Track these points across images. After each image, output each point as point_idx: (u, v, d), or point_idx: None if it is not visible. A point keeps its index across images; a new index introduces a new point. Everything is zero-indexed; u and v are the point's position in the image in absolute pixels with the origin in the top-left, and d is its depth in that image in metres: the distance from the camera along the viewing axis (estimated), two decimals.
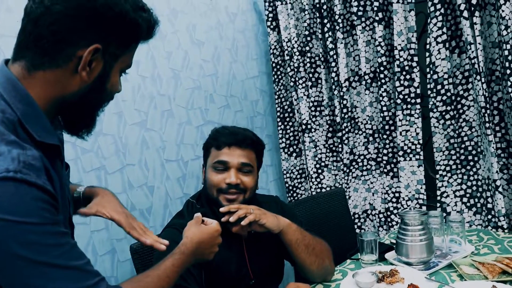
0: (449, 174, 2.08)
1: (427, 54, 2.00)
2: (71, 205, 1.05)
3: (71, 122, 0.95)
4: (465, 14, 1.81)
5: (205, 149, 1.52)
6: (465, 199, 2.07)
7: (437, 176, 2.09)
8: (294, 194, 2.72)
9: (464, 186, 2.07)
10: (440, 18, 1.92)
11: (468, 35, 1.82)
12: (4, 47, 1.67)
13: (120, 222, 1.08)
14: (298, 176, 2.72)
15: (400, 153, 2.17)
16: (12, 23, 1.68)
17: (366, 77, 2.28)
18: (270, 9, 2.58)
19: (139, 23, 0.89)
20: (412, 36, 2.06)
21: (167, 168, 2.19)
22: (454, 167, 2.07)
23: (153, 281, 0.98)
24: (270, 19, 2.59)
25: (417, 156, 2.16)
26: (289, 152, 2.69)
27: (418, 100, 2.12)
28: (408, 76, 2.10)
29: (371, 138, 2.35)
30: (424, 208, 2.13)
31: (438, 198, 2.10)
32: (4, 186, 0.73)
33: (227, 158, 1.42)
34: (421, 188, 2.17)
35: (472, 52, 1.81)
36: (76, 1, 0.82)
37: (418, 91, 2.11)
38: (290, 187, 2.71)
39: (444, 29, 1.93)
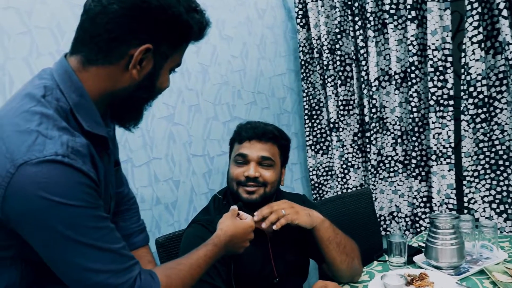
0: (477, 180, 2.03)
1: (462, 54, 1.95)
2: (112, 200, 1.07)
3: (120, 114, 0.99)
4: (504, 13, 1.76)
5: (230, 144, 1.53)
6: (494, 205, 2.01)
7: (465, 182, 2.03)
8: (320, 192, 2.70)
9: (493, 192, 2.01)
10: (476, 17, 1.87)
11: (506, 35, 1.76)
12: (38, 38, 1.68)
13: None
14: (324, 174, 2.69)
15: (433, 157, 2.12)
16: (46, 15, 1.70)
17: (396, 76, 2.24)
18: (300, 6, 2.55)
19: (191, 25, 0.91)
20: (447, 36, 2.01)
21: (193, 163, 2.19)
22: (482, 172, 2.02)
23: (185, 269, 0.99)
24: (300, 16, 2.56)
25: (448, 160, 2.11)
26: (315, 150, 2.67)
27: (451, 102, 2.07)
28: (441, 77, 2.05)
29: (399, 140, 2.30)
30: (454, 212, 2.08)
31: (466, 204, 2.04)
32: (52, 169, 0.77)
33: (246, 151, 1.42)
34: (451, 193, 2.11)
35: (511, 52, 1.76)
36: (131, 2, 0.85)
37: (452, 92, 2.06)
38: (316, 185, 2.69)
39: (481, 29, 1.88)
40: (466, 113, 1.99)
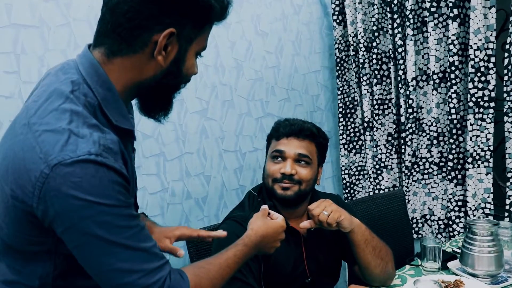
0: None
1: (506, 54, 1.88)
2: (135, 185, 1.07)
3: (149, 105, 0.97)
4: None
5: (267, 140, 1.52)
6: None
7: (508, 184, 1.96)
8: (352, 191, 2.66)
9: None
10: None
11: None
12: (76, 30, 1.71)
13: (184, 232, 1.20)
14: (357, 174, 2.65)
15: (470, 160, 2.05)
16: (84, 7, 1.72)
17: (435, 76, 2.17)
18: (337, 2, 2.51)
19: (212, 4, 0.89)
20: (491, 35, 1.93)
21: (225, 159, 2.18)
22: None
23: (214, 268, 0.97)
24: (336, 12, 2.52)
25: (486, 164, 2.03)
26: (348, 149, 2.63)
27: (492, 104, 1.99)
28: (483, 78, 1.98)
29: (435, 141, 2.24)
30: (490, 218, 2.01)
31: (507, 207, 1.97)
32: (85, 168, 0.77)
33: (284, 147, 1.41)
34: (488, 197, 2.05)
35: None
36: None
37: (493, 94, 1.98)
38: (348, 184, 2.65)
39: None
40: (510, 114, 1.91)
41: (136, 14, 0.84)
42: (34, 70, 1.62)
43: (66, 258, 0.88)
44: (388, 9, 2.30)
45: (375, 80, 2.42)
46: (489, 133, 2.02)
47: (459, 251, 1.57)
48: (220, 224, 1.47)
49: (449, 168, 2.16)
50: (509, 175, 1.95)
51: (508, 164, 1.95)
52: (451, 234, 2.20)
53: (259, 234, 1.13)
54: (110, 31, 0.86)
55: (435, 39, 2.14)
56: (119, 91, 0.89)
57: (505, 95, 1.91)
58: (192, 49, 0.92)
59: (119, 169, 0.81)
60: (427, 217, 2.36)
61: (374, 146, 2.48)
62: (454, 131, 2.13)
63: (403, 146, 2.34)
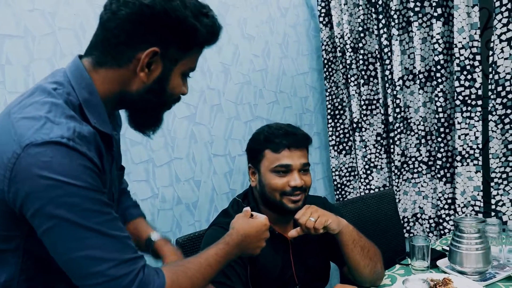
0: (505, 182, 1.96)
1: (490, 52, 1.90)
2: (115, 201, 1.07)
3: (137, 119, 1.01)
4: None
5: (256, 151, 1.43)
6: None
7: (492, 184, 1.98)
8: (343, 192, 2.67)
9: None
10: (506, 14, 1.81)
11: None
12: (62, 39, 1.70)
13: None
14: (347, 174, 2.66)
15: (458, 158, 2.06)
16: (70, 17, 1.72)
17: (421, 76, 2.19)
18: (322, 4, 2.52)
19: (197, 28, 0.91)
20: (475, 34, 1.95)
21: (215, 163, 2.19)
22: (511, 174, 1.95)
23: (194, 267, 0.96)
24: (322, 14, 2.54)
25: (475, 162, 2.05)
26: (338, 150, 2.64)
27: (479, 102, 2.00)
28: (469, 76, 1.99)
29: (423, 140, 2.26)
30: (480, 215, 2.02)
31: (493, 206, 1.99)
32: (56, 149, 0.78)
33: (289, 161, 1.37)
34: (478, 195, 2.06)
35: None
36: (138, 7, 0.87)
37: (480, 92, 1.99)
38: (339, 185, 2.66)
39: (510, 26, 1.82)
40: (494, 113, 1.93)
41: (122, 32, 0.88)
42: (20, 80, 1.61)
43: (34, 261, 0.88)
44: (373, 10, 2.32)
45: (362, 81, 2.43)
46: (477, 131, 2.03)
47: (448, 249, 1.58)
48: (205, 230, 1.47)
49: (438, 166, 2.18)
50: (493, 174, 1.97)
51: (491, 164, 1.96)
52: (442, 232, 2.21)
53: (241, 233, 1.11)
54: (99, 44, 0.91)
55: (420, 39, 2.15)
56: (102, 99, 0.92)
57: (489, 93, 1.93)
58: (177, 69, 0.95)
59: (91, 156, 0.82)
60: (418, 216, 2.37)
61: (364, 146, 2.49)
62: (442, 129, 2.14)
63: (392, 146, 2.35)
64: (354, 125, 2.48)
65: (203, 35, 0.93)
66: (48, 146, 0.78)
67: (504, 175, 1.96)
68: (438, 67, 2.08)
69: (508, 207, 1.97)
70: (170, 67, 0.93)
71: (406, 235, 2.38)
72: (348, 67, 2.46)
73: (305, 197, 1.41)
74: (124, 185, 1.33)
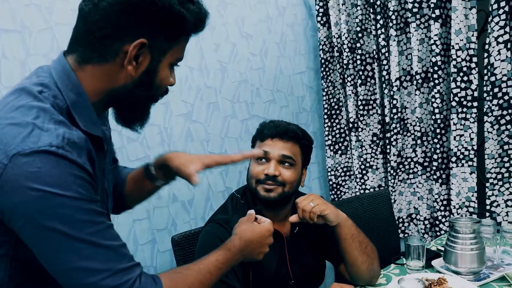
0: (500, 183, 1.98)
1: (486, 54, 1.90)
2: (109, 197, 1.05)
3: (124, 114, 0.96)
4: None
5: (252, 142, 1.52)
6: None
7: (487, 184, 1.99)
8: (338, 192, 2.67)
9: None
10: (503, 16, 1.82)
11: None
12: (59, 34, 1.70)
13: (216, 159, 1.11)
14: (343, 174, 2.66)
15: (453, 159, 2.07)
16: (67, 12, 1.71)
17: (418, 77, 2.20)
18: (320, 4, 2.53)
19: (185, 16, 0.88)
20: (472, 36, 1.96)
21: None
22: (506, 175, 1.96)
23: (193, 274, 0.94)
24: (320, 14, 2.54)
25: (470, 163, 2.06)
26: (334, 150, 2.64)
27: (475, 104, 2.01)
28: (465, 78, 2.00)
29: (419, 141, 2.26)
30: (474, 217, 2.03)
31: (488, 207, 2.00)
32: (45, 159, 0.75)
33: (268, 148, 1.41)
34: (472, 196, 2.07)
35: None
36: None
37: (476, 93, 2.00)
38: (334, 185, 2.67)
39: (507, 29, 1.83)
40: (490, 114, 1.94)
41: (107, 24, 0.83)
42: (16, 75, 1.60)
43: (23, 267, 0.85)
44: (371, 10, 2.32)
45: (359, 81, 2.44)
46: (472, 132, 2.04)
47: (443, 249, 1.59)
48: (203, 227, 1.46)
49: (433, 168, 2.18)
50: (488, 175, 1.98)
51: (487, 165, 1.97)
52: (438, 233, 2.22)
53: (244, 239, 1.09)
54: (82, 38, 0.86)
55: (417, 40, 2.16)
56: (91, 99, 0.88)
57: (485, 95, 1.94)
58: (165, 60, 0.91)
59: (82, 163, 0.79)
60: (413, 216, 2.38)
61: (360, 146, 2.49)
62: (438, 130, 2.15)
63: (388, 146, 2.36)
64: (351, 125, 2.49)
65: (190, 23, 0.90)
66: (36, 155, 0.74)
67: (499, 176, 1.97)
68: (435, 68, 2.09)
69: (502, 208, 1.98)
70: (159, 58, 0.90)
71: (401, 235, 2.39)
72: (345, 67, 2.46)
73: (283, 192, 1.40)
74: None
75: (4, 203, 0.75)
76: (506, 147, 1.94)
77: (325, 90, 2.60)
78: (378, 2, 2.25)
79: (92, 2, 0.83)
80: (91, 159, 0.84)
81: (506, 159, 1.95)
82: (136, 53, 0.85)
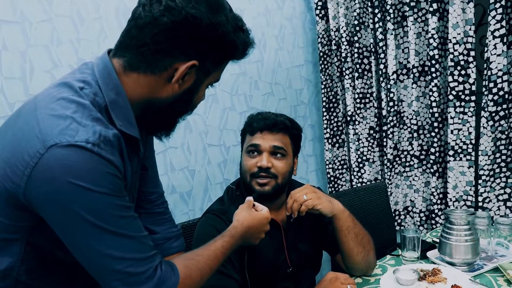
0: (492, 179, 1.99)
1: (484, 49, 1.91)
2: (134, 201, 1.08)
3: (153, 124, 0.99)
4: None
5: (241, 135, 1.53)
6: (509, 203, 1.98)
7: (480, 181, 2.00)
8: (336, 185, 2.69)
9: (508, 190, 1.98)
10: (500, 10, 1.83)
11: None
12: (59, 26, 1.70)
13: None
14: (340, 167, 2.68)
15: (451, 152, 2.09)
16: (67, 3, 1.72)
17: (414, 70, 2.21)
18: None
19: (237, 44, 0.91)
20: (470, 29, 1.97)
21: (209, 153, 2.20)
22: (498, 170, 1.98)
23: (203, 260, 0.99)
24: (319, 7, 2.55)
25: (468, 157, 2.07)
26: (332, 143, 2.66)
27: (473, 97, 2.03)
28: (463, 72, 2.01)
29: (415, 134, 2.28)
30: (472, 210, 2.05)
31: (480, 203, 2.02)
32: (80, 154, 0.77)
33: (259, 141, 1.42)
34: (470, 189, 2.09)
35: None
36: (183, 17, 0.84)
37: (474, 87, 2.02)
38: (332, 178, 2.69)
39: (504, 23, 1.84)
40: (486, 109, 1.95)
41: (164, 39, 0.85)
42: (16, 66, 1.61)
43: (35, 252, 0.88)
44: (369, 4, 2.33)
45: (356, 74, 2.45)
46: (470, 126, 2.05)
47: (438, 241, 1.61)
48: (199, 218, 1.48)
49: (430, 161, 2.20)
50: (481, 172, 1.99)
51: (480, 161, 1.99)
52: (433, 226, 2.24)
53: (245, 225, 1.14)
54: (133, 46, 0.88)
55: (415, 33, 2.17)
56: (130, 102, 0.90)
57: (483, 89, 1.95)
58: (207, 81, 0.95)
59: (114, 161, 0.81)
60: (409, 209, 2.40)
61: (357, 139, 2.51)
62: (435, 124, 2.16)
63: (384, 139, 2.38)
64: (348, 118, 2.50)
65: (239, 51, 0.93)
66: (72, 149, 0.76)
67: (491, 172, 1.99)
68: (433, 61, 2.10)
69: (494, 203, 2.00)
70: (202, 79, 0.93)
71: (397, 227, 2.41)
72: (343, 60, 2.47)
73: (277, 184, 1.42)
74: (164, 197, 1.31)
75: (34, 190, 0.78)
76: (498, 143, 1.96)
77: (324, 83, 2.62)
78: None
79: (152, 15, 0.84)
80: (122, 157, 0.87)
81: (498, 155, 1.96)
82: (185, 73, 0.88)
